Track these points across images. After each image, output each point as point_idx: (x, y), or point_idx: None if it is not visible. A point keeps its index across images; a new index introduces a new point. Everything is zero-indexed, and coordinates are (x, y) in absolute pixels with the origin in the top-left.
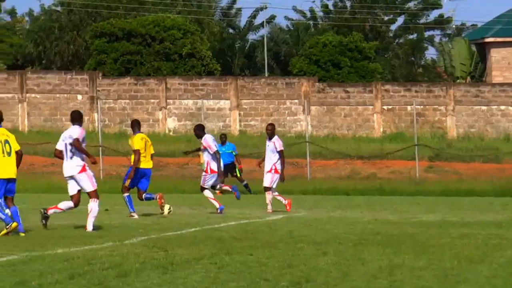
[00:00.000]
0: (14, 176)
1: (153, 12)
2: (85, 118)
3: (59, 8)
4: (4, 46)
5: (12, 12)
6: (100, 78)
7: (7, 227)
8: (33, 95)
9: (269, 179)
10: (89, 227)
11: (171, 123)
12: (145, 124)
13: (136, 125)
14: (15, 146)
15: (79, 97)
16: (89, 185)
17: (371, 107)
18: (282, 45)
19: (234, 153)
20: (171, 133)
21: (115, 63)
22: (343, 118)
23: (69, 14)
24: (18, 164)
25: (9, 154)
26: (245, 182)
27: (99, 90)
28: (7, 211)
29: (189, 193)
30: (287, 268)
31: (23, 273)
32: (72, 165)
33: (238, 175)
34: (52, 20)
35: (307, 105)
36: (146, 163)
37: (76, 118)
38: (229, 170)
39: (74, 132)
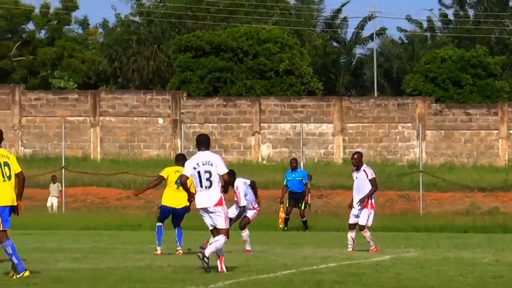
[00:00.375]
0: (13, 204)
1: (245, 23)
2: (167, 144)
3: (137, 19)
4: (75, 62)
5: (84, 23)
6: (185, 98)
7: (18, 275)
8: (107, 118)
9: (365, 216)
10: (207, 252)
11: (265, 150)
12: (235, 151)
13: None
14: (16, 169)
15: (160, 120)
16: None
17: (495, 131)
18: (394, 60)
19: (304, 182)
20: (264, 162)
21: (201, 82)
22: (463, 144)
23: (149, 26)
24: (20, 189)
25: (9, 178)
26: (304, 219)
27: (183, 113)
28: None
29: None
30: None
31: None
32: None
33: (302, 207)
34: (129, 32)
35: (422, 129)
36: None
37: (204, 142)
38: (296, 201)
39: (217, 160)
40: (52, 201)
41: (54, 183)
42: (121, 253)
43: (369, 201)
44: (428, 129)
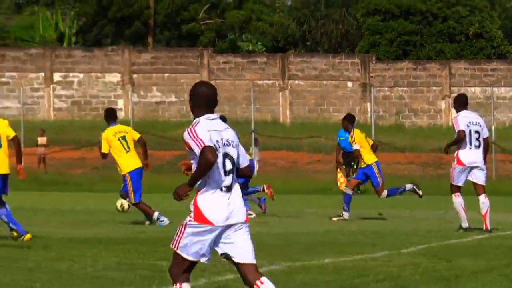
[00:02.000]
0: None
1: None
2: (356, 108)
3: None
4: (263, 26)
5: None
6: (374, 62)
7: (19, 237)
8: (296, 81)
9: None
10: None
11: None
12: (425, 116)
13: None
14: (9, 133)
15: (349, 84)
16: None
17: None
18: None
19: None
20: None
21: (390, 45)
22: None
23: None
24: (18, 154)
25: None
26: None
27: (372, 76)
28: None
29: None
30: None
31: (285, 285)
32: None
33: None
34: None
35: None
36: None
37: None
38: (348, 162)
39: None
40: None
41: (256, 146)
42: (312, 218)
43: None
44: None
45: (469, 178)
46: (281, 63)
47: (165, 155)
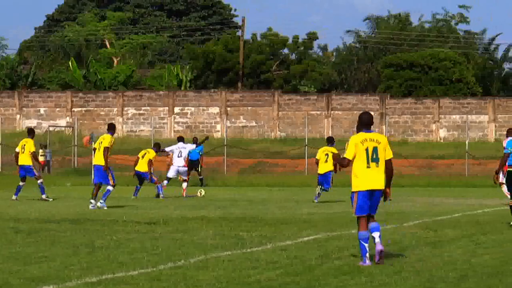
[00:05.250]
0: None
1: (430, 47)
2: (376, 129)
3: (358, 45)
4: (316, 75)
5: (324, 48)
6: (388, 98)
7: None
8: (336, 112)
9: None
10: None
11: (442, 133)
12: (421, 134)
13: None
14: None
15: (372, 113)
16: None
17: None
18: None
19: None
20: (441, 141)
21: (400, 87)
22: None
23: (365, 50)
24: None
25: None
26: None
27: (387, 108)
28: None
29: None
30: None
31: (325, 248)
32: None
33: None
34: (352, 54)
35: None
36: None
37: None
38: None
39: None
40: None
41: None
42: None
43: None
44: None
45: None
46: (326, 99)
47: (247, 162)
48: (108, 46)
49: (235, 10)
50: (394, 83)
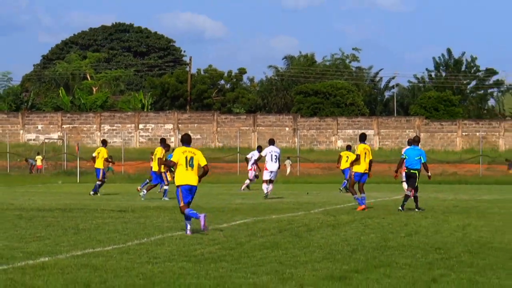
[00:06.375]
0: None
1: (330, 79)
2: (290, 141)
3: (276, 77)
4: (245, 100)
5: (251, 80)
6: (299, 117)
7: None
8: (260, 127)
9: None
10: None
11: (339, 143)
12: (324, 144)
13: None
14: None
15: (287, 129)
16: None
17: None
18: (405, 98)
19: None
20: (339, 149)
21: (308, 109)
22: None
23: (282, 81)
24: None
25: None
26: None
27: (298, 124)
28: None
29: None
30: (403, 226)
31: (252, 229)
32: None
33: None
34: (272, 84)
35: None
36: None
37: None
38: None
39: None
40: None
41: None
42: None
43: None
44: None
45: None
46: (253, 118)
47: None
48: (89, 78)
49: (184, 51)
50: (303, 106)
